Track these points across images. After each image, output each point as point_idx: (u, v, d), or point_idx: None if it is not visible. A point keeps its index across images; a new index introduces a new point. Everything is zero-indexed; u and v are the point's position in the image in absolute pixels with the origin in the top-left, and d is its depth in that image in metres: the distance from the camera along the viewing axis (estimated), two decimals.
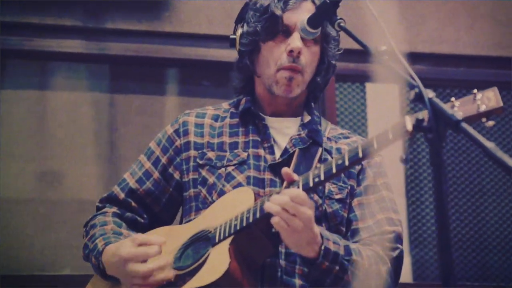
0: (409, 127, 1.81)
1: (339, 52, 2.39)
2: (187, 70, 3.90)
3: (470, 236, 4.03)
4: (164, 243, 2.18)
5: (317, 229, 2.05)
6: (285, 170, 2.08)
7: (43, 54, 3.72)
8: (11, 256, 3.51)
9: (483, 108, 1.80)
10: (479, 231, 4.04)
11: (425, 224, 3.97)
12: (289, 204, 1.97)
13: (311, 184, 2.01)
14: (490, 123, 1.81)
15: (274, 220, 1.99)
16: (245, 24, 2.37)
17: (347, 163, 1.98)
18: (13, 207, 3.58)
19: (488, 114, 1.80)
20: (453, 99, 1.78)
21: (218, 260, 2.06)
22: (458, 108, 1.76)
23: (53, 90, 3.76)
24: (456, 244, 4.00)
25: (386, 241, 2.23)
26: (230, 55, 2.48)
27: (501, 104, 1.80)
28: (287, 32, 2.30)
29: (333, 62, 2.38)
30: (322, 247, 2.04)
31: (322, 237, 2.06)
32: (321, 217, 2.17)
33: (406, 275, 3.85)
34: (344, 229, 2.22)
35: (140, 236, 2.19)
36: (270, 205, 2.00)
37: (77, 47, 3.73)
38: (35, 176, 3.67)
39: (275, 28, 2.30)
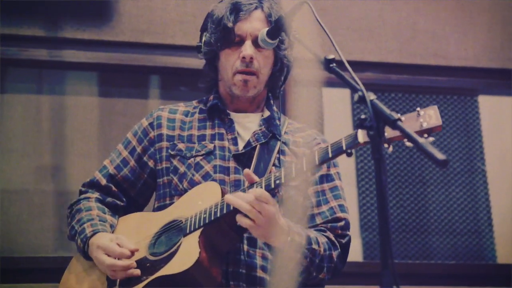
0: (361, 139, 1.92)
1: (289, 53, 2.43)
2: (167, 77, 3.96)
3: (412, 220, 4.11)
4: (136, 250, 2.24)
5: (284, 222, 2.13)
6: (246, 171, 2.16)
7: (38, 63, 3.80)
8: (9, 240, 3.59)
9: (425, 125, 1.85)
10: (420, 216, 4.13)
11: (373, 211, 4.06)
12: (254, 202, 2.05)
13: (272, 186, 2.11)
14: (430, 139, 1.84)
15: (238, 218, 2.08)
16: (206, 34, 2.44)
17: (304, 168, 2.07)
18: (11, 197, 3.67)
19: (429, 131, 1.86)
20: (398, 115, 1.79)
21: (189, 250, 2.13)
22: (402, 123, 1.73)
23: (47, 94, 3.84)
24: (400, 228, 4.07)
25: (338, 228, 2.34)
26: (202, 63, 2.56)
27: (440, 122, 1.84)
28: (240, 40, 2.37)
29: (286, 62, 2.44)
30: (289, 239, 2.12)
31: (289, 229, 2.14)
32: (277, 202, 2.21)
33: (357, 255, 3.96)
34: (298, 213, 2.31)
35: (122, 239, 2.27)
36: (240, 203, 2.06)
37: (69, 56, 3.82)
38: (31, 170, 3.75)
39: (229, 39, 2.38)
